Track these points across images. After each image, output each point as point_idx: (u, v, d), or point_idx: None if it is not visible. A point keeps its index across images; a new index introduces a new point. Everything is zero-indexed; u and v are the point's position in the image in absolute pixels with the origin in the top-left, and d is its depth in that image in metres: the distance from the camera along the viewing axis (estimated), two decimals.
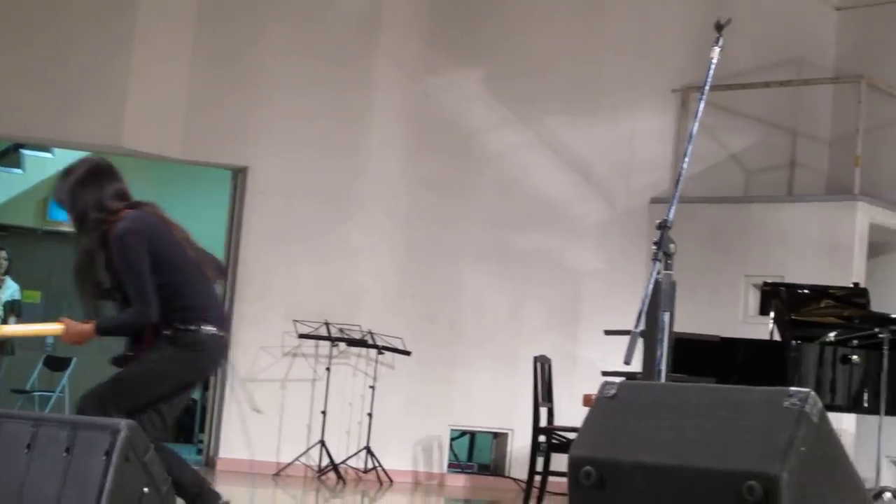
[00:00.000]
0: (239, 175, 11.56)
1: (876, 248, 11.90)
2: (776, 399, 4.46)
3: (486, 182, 11.97)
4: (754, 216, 11.89)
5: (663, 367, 5.93)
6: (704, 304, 11.26)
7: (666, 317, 5.99)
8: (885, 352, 7.83)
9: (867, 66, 12.39)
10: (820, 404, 4.46)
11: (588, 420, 5.00)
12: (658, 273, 5.85)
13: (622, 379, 8.31)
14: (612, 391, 5.09)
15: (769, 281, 9.47)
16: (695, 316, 10.44)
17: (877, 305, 9.92)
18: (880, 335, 7.80)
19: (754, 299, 11.27)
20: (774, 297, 8.85)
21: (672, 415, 4.72)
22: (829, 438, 4.51)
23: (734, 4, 12.06)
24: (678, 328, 8.41)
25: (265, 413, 11.13)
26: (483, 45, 12.04)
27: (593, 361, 10.67)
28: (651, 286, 5.86)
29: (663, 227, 5.88)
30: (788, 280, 10.49)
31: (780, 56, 12.82)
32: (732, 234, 11.93)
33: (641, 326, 5.90)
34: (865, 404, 7.90)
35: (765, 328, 9.35)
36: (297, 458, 10.89)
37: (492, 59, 12.07)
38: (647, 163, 12.22)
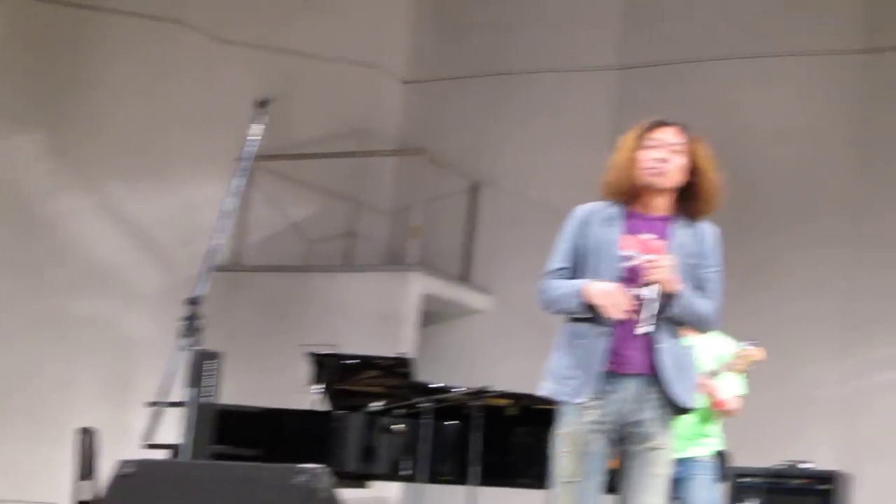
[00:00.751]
0: None
1: (430, 318, 12.20)
2: (287, 476, 4.49)
3: (42, 248, 11.57)
4: (313, 285, 11.97)
5: (191, 442, 5.88)
6: (262, 374, 11.22)
7: (195, 391, 5.99)
8: (426, 420, 8.00)
9: (430, 140, 12.74)
10: (330, 480, 4.48)
11: (106, 499, 4.91)
12: (186, 348, 5.88)
13: (166, 452, 8.15)
14: (130, 469, 5.02)
15: (323, 351, 9.54)
16: (252, 386, 10.40)
17: (429, 374, 10.11)
18: (420, 405, 7.96)
19: (309, 369, 11.32)
20: (322, 366, 8.91)
21: (186, 493, 4.68)
22: None
23: (303, 74, 12.19)
24: (236, 399, 8.35)
25: None
26: (48, 107, 11.67)
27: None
28: (178, 361, 5.89)
29: (192, 302, 5.93)
30: (344, 349, 10.56)
31: (348, 127, 12.99)
32: (291, 303, 11.95)
33: (165, 400, 5.88)
34: (408, 472, 8.02)
35: (319, 398, 9.37)
36: None
37: (57, 122, 11.72)
38: (209, 231, 12.03)
